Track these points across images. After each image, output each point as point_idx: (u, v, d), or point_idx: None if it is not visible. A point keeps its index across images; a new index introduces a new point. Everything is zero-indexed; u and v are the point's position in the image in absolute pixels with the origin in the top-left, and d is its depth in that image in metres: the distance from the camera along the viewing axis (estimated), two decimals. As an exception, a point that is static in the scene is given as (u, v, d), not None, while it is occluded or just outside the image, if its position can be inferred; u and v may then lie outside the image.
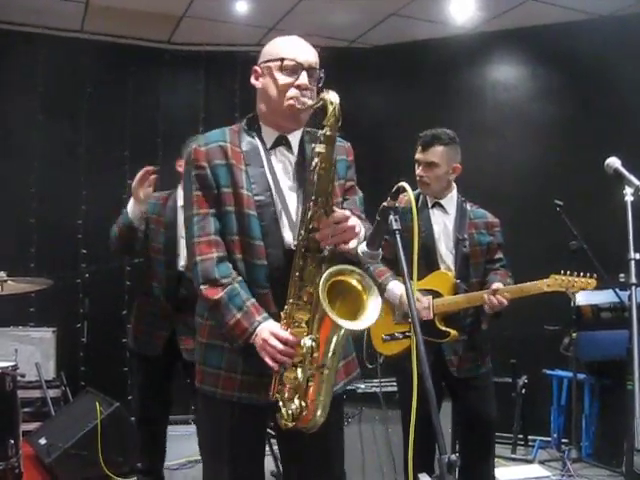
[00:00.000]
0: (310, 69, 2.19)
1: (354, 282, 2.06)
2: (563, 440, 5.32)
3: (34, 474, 4.41)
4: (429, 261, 3.34)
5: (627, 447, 3.02)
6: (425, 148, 3.36)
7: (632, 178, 2.49)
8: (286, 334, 2.04)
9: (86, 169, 6.31)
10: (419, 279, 3.24)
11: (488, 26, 6.12)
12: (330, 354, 2.05)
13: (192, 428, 4.49)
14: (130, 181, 6.15)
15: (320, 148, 2.03)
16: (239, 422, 2.21)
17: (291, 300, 2.08)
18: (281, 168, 2.24)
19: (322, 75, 2.23)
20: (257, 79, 2.28)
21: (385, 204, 1.96)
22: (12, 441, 3.88)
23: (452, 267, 3.37)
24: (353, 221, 2.07)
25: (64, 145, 6.23)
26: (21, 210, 6.06)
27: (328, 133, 2.03)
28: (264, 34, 6.48)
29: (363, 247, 2.04)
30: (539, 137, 5.94)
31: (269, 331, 2.05)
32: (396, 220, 1.96)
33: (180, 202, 3.73)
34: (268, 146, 2.25)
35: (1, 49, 6.08)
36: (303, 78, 2.17)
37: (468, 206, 3.46)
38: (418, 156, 3.40)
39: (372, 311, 2.03)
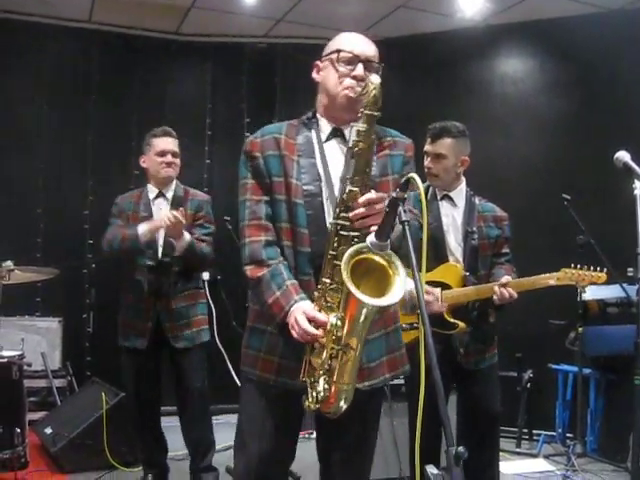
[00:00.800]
0: (367, 61, 2.26)
1: (379, 259, 2.06)
2: (568, 435, 5.31)
3: (40, 463, 4.44)
4: (438, 253, 3.35)
5: (633, 442, 3.02)
6: (434, 140, 3.37)
7: (641, 172, 2.49)
8: (315, 313, 2.08)
9: (93, 159, 6.31)
10: (427, 271, 3.24)
11: (496, 19, 6.09)
12: (355, 335, 2.05)
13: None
14: (137, 171, 6.18)
15: (359, 126, 2.09)
16: (275, 403, 2.27)
17: (324, 279, 2.12)
18: (334, 159, 2.28)
19: (380, 68, 2.28)
20: (318, 73, 2.36)
21: (394, 195, 1.95)
22: (18, 430, 3.91)
23: (460, 259, 3.38)
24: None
25: (71, 135, 6.24)
26: (28, 200, 6.07)
27: (367, 112, 2.08)
28: (272, 26, 6.48)
29: (372, 238, 2.04)
30: (547, 130, 5.92)
31: (302, 310, 2.09)
32: (405, 212, 1.95)
33: (151, 195, 3.98)
34: (323, 138, 2.32)
35: (9, 39, 6.06)
36: (359, 69, 2.23)
37: (477, 200, 3.46)
38: (427, 148, 3.40)
39: (397, 288, 2.03)
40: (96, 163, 6.31)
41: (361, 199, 2.06)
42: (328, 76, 2.29)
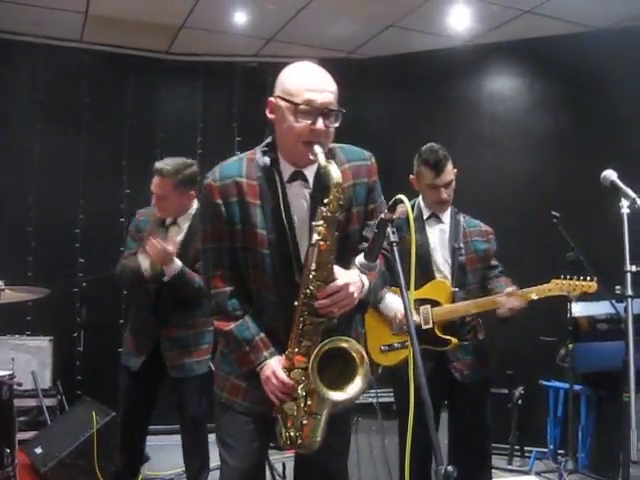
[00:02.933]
0: (326, 111, 2.13)
1: (346, 346, 2.14)
2: (559, 451, 5.31)
3: (30, 483, 4.40)
4: (425, 271, 3.37)
5: (623, 459, 3.03)
6: (440, 171, 3.36)
7: (628, 191, 2.50)
8: (284, 377, 2.14)
9: (84, 178, 6.32)
10: (416, 289, 3.26)
11: (486, 38, 6.15)
12: (323, 407, 2.16)
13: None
14: (128, 190, 6.18)
15: (320, 227, 2.06)
16: (244, 425, 2.30)
17: (290, 350, 2.16)
18: (297, 203, 2.23)
19: (339, 113, 2.17)
20: (272, 112, 2.22)
21: (382, 216, 1.97)
22: (8, 450, 3.87)
23: (449, 276, 3.40)
24: (353, 288, 2.12)
25: (62, 154, 6.25)
26: (19, 218, 6.07)
27: (328, 214, 2.05)
28: (263, 45, 6.52)
29: (360, 258, 2.06)
30: (536, 149, 5.96)
31: (272, 370, 2.16)
32: (394, 232, 1.97)
33: (168, 221, 3.76)
34: (285, 179, 2.23)
35: (1, 58, 6.09)
36: (319, 123, 2.12)
37: (462, 217, 3.51)
38: (434, 182, 3.37)
39: (361, 380, 2.12)
40: (87, 182, 6.31)
41: (325, 291, 2.09)
42: (285, 124, 2.15)
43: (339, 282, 2.10)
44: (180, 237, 3.74)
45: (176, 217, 3.77)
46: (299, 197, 2.23)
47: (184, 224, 3.77)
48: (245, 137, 6.51)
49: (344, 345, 2.12)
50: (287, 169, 2.23)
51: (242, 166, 2.24)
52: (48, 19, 5.85)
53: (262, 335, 2.21)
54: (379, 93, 6.48)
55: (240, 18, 5.93)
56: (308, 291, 2.09)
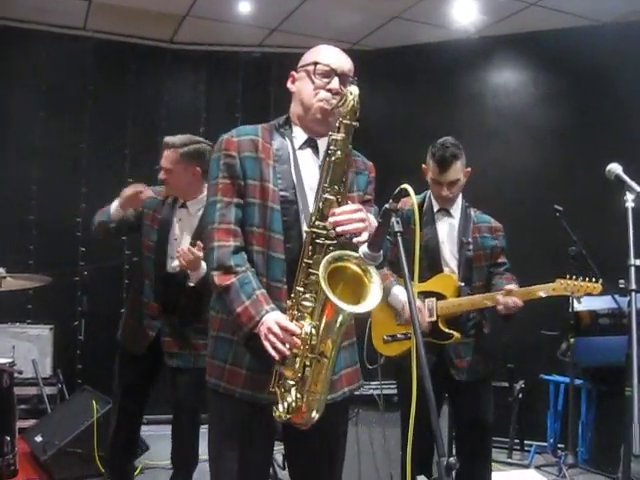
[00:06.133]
0: (343, 75, 2.27)
1: (355, 267, 2.07)
2: (559, 445, 5.32)
3: (29, 471, 4.41)
4: (433, 264, 3.37)
5: (625, 453, 3.02)
6: (445, 169, 3.32)
7: (633, 184, 2.49)
8: (288, 322, 2.05)
9: (86, 167, 6.31)
10: (422, 281, 3.26)
11: (490, 31, 6.13)
12: (330, 342, 2.05)
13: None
14: (130, 180, 6.17)
15: (337, 136, 2.11)
16: (243, 417, 2.22)
17: (297, 287, 2.10)
18: (306, 168, 2.28)
19: (354, 81, 2.27)
20: (293, 83, 2.37)
21: (387, 206, 1.96)
22: (8, 438, 3.88)
23: (456, 270, 3.40)
24: (364, 214, 2.10)
25: (65, 143, 6.24)
26: (21, 207, 6.07)
27: (345, 121, 2.11)
28: (267, 35, 6.50)
29: (364, 249, 2.04)
30: (540, 142, 5.94)
31: (274, 320, 2.06)
32: (398, 222, 1.96)
33: (178, 202, 3.68)
34: (297, 146, 2.31)
35: (4, 46, 6.08)
36: (335, 83, 2.25)
37: (472, 211, 3.49)
38: (438, 178, 3.35)
39: (374, 296, 2.03)
40: (90, 171, 6.30)
41: (338, 209, 2.07)
42: (303, 87, 2.30)
43: (352, 205, 2.12)
44: (192, 227, 3.63)
45: (185, 199, 3.67)
46: (309, 163, 2.29)
47: (194, 208, 3.65)
48: (248, 127, 6.48)
49: (351, 265, 2.06)
50: (300, 136, 2.33)
51: (258, 129, 2.32)
52: (52, 7, 5.82)
53: (263, 290, 2.15)
54: (383, 85, 6.45)
55: (244, 8, 5.91)
56: (319, 211, 2.09)
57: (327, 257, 2.03)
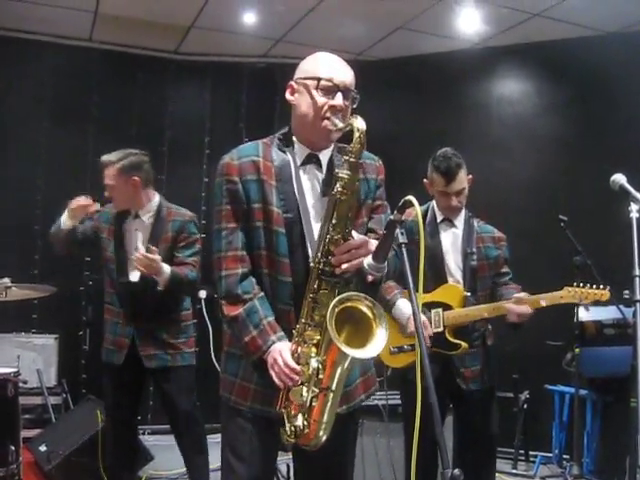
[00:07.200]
0: (345, 90, 2.21)
1: (364, 309, 2.08)
2: (564, 456, 5.29)
3: (34, 481, 4.41)
4: (437, 275, 3.37)
5: (630, 464, 3.00)
6: (451, 179, 3.34)
7: (638, 195, 2.50)
8: (290, 360, 2.07)
9: (91, 177, 6.31)
10: (427, 292, 3.26)
11: (495, 41, 6.14)
12: (336, 378, 2.07)
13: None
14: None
15: (343, 174, 2.07)
16: (251, 430, 2.24)
17: (303, 320, 2.12)
18: (309, 186, 2.26)
19: (356, 96, 2.25)
20: (292, 94, 2.30)
21: (392, 217, 1.96)
22: (12, 447, 3.87)
23: (460, 281, 3.40)
24: (371, 246, 2.09)
25: (71, 153, 6.25)
26: (26, 217, 6.07)
27: (352, 160, 2.08)
28: (271, 45, 6.52)
29: (369, 260, 2.05)
30: (544, 152, 5.94)
31: (278, 351, 2.09)
32: (402, 234, 1.96)
33: (130, 214, 3.85)
34: (299, 163, 2.27)
35: (11, 57, 6.10)
36: (338, 99, 2.19)
37: (475, 222, 3.49)
38: (445, 189, 3.36)
39: (379, 340, 2.04)
40: (95, 180, 6.30)
41: (343, 246, 2.07)
42: (304, 102, 2.23)
43: (358, 239, 2.09)
44: (146, 234, 3.79)
45: (135, 210, 3.85)
46: (312, 180, 2.27)
47: (146, 217, 3.84)
48: (253, 137, 6.36)
49: (360, 306, 2.06)
50: (302, 152, 2.28)
51: (258, 148, 2.30)
52: (57, 18, 5.86)
53: (270, 319, 2.16)
54: (387, 95, 6.46)
55: (249, 18, 5.94)
56: (325, 246, 2.08)
57: (335, 301, 2.04)
